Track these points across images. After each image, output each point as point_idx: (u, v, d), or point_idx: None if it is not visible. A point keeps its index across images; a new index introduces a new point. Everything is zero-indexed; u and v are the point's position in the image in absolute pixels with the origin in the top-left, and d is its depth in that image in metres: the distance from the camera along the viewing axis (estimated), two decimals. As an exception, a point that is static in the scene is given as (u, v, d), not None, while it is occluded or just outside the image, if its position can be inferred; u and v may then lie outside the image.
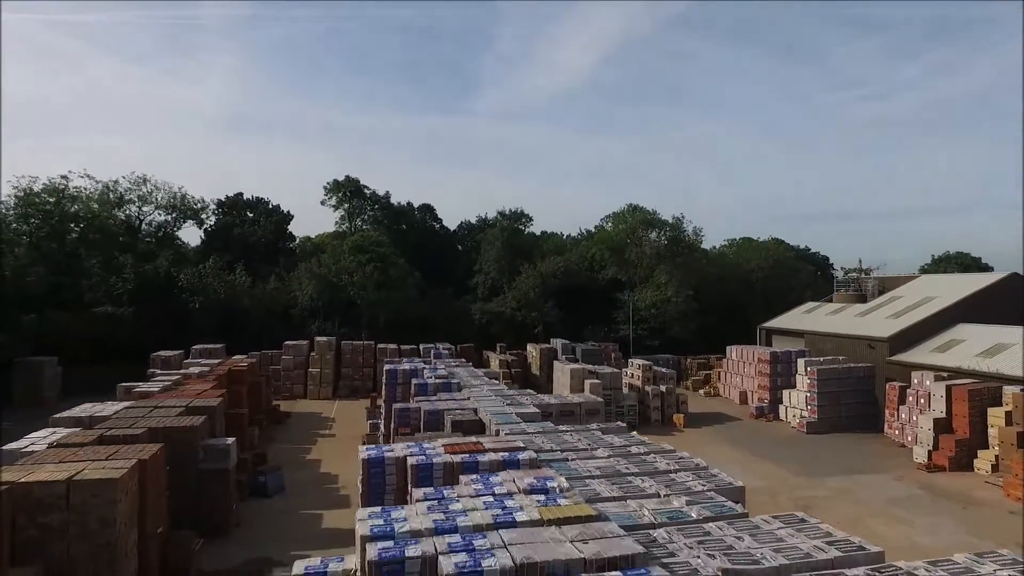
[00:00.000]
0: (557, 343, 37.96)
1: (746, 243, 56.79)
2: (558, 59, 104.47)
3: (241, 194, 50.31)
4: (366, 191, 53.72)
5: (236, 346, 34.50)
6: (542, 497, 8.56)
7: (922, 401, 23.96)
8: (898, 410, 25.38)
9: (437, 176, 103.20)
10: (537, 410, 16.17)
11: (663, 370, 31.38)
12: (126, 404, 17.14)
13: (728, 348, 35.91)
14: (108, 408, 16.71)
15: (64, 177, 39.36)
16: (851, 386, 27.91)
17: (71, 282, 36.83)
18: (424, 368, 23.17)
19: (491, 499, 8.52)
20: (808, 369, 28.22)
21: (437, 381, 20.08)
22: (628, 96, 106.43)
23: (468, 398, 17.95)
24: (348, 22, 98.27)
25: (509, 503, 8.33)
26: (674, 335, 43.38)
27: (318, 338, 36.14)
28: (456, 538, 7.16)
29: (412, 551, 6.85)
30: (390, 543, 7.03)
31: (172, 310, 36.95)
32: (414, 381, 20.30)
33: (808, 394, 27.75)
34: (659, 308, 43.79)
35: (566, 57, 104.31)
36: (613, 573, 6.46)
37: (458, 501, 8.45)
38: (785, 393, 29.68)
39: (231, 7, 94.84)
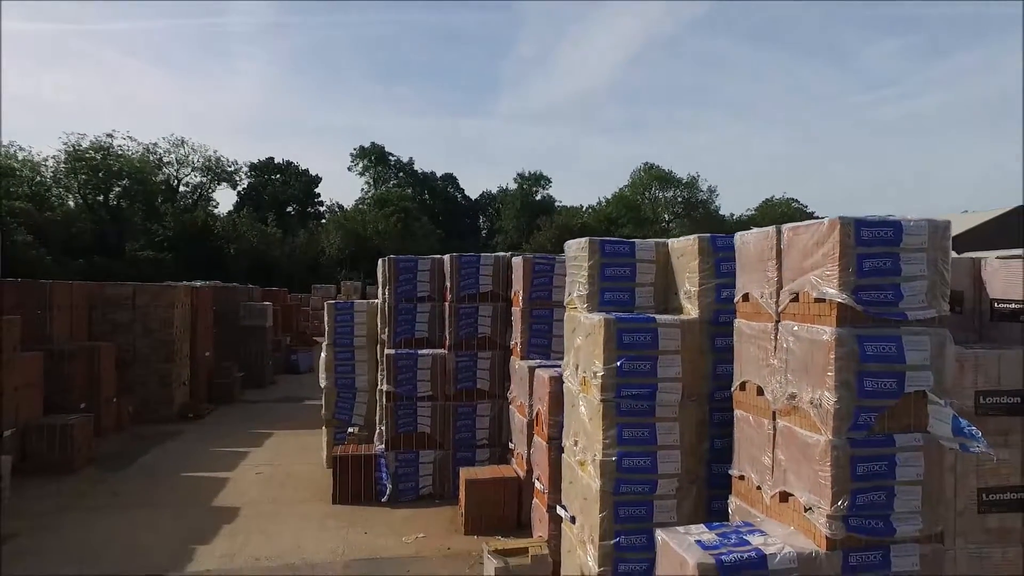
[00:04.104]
0: (573, 290, 39.34)
1: (764, 206, 57.38)
2: (580, 61, 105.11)
3: (272, 158, 52.75)
4: (391, 158, 55.77)
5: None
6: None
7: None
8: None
9: (457, 165, 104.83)
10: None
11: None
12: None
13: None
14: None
15: (109, 135, 41.97)
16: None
17: (116, 230, 39.32)
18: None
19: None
20: (812, 295, 29.27)
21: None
22: (651, 98, 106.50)
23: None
24: (368, 28, 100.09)
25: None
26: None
27: (344, 282, 38.11)
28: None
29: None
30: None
31: (208, 256, 39.21)
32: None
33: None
34: (674, 261, 44.93)
35: (588, 59, 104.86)
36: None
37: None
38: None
39: (258, 14, 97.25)
